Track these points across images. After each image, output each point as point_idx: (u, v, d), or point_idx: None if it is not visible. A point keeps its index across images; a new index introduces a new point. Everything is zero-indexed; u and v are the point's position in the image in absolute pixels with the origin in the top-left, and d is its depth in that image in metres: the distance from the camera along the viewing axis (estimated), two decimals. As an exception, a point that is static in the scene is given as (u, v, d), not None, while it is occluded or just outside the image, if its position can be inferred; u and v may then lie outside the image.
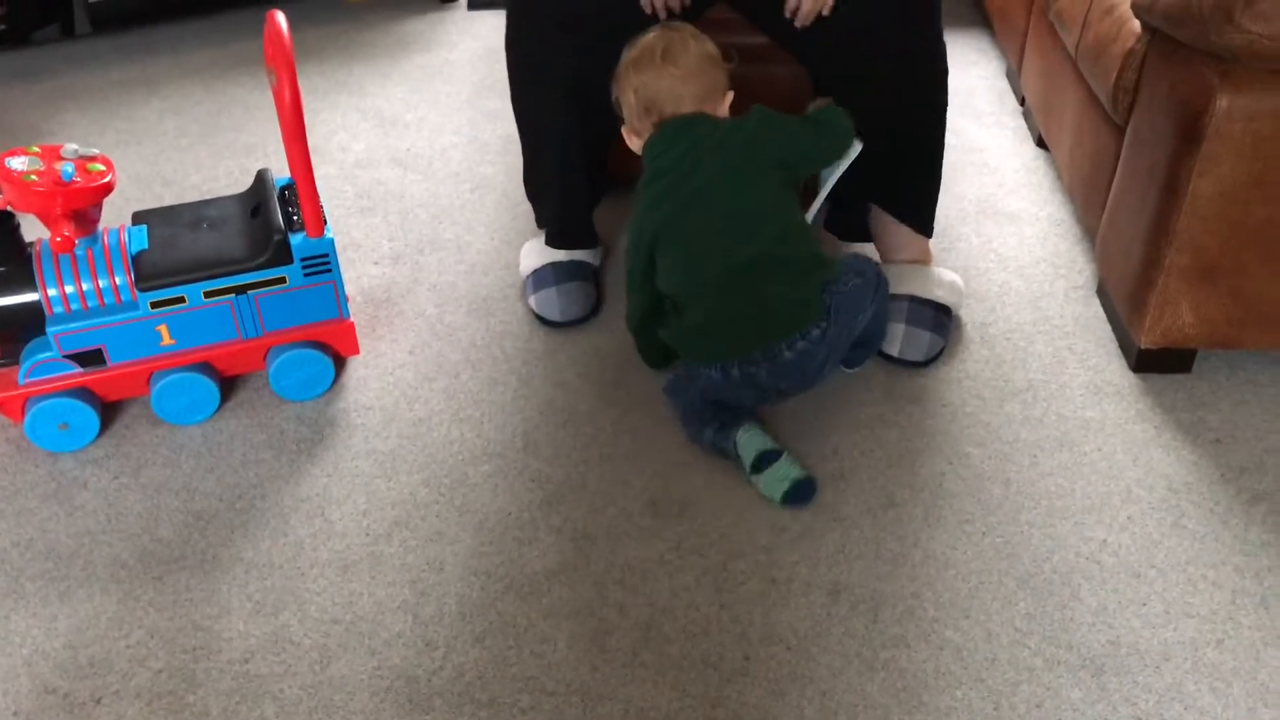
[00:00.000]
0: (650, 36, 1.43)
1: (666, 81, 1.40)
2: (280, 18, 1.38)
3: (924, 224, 1.65)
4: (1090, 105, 1.71)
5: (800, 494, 1.38)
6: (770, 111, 1.41)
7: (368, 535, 1.37)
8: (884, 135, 1.51)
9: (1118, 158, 1.59)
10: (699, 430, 1.46)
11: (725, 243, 1.38)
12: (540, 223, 1.77)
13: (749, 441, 1.41)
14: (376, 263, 1.85)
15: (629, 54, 1.43)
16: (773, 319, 1.39)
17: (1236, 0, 1.24)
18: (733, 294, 1.39)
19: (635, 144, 1.47)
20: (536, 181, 1.72)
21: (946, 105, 1.59)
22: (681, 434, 1.49)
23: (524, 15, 1.58)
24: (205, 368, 1.52)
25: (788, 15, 1.50)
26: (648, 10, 1.52)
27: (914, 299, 1.62)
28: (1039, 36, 2.02)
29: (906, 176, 1.62)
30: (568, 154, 1.62)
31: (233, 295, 1.48)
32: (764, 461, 1.40)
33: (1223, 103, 1.32)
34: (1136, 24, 1.51)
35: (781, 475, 1.39)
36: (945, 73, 1.57)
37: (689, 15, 1.53)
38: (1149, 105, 1.48)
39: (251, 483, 1.45)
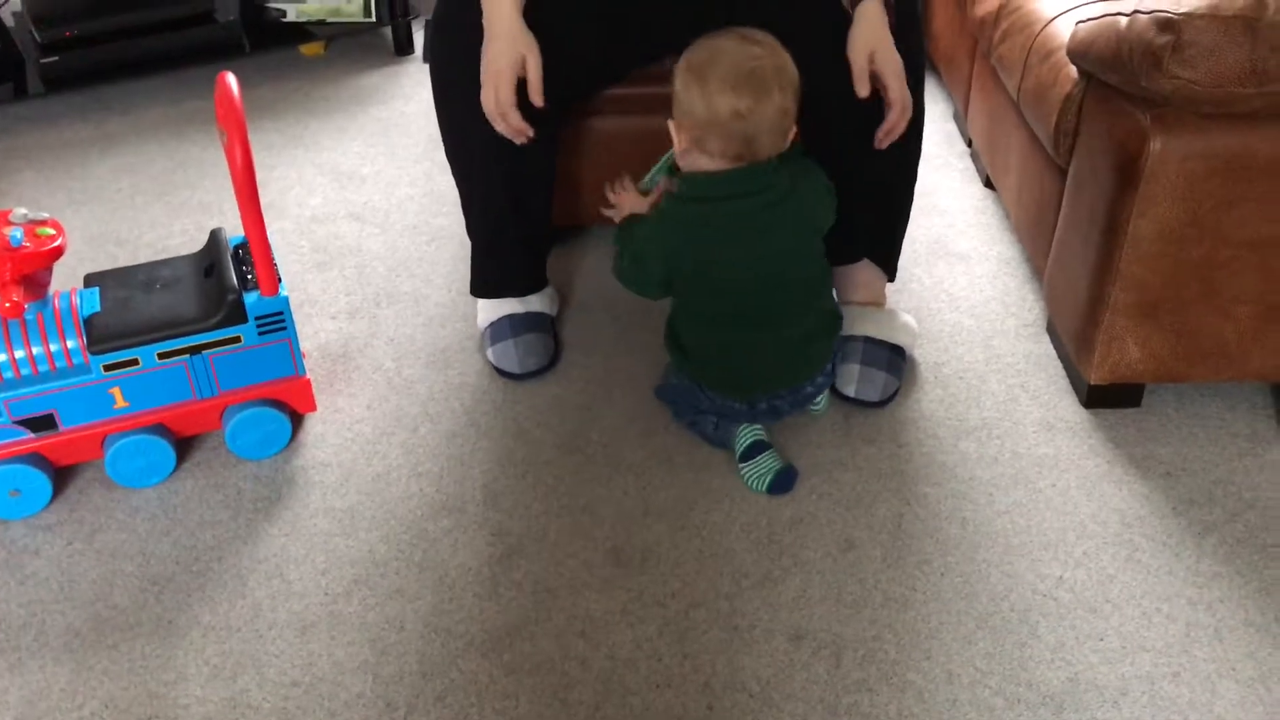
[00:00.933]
0: (756, 50, 1.31)
1: (774, 114, 1.32)
2: (231, 79, 1.39)
3: (890, 266, 1.68)
4: (1033, 147, 1.75)
5: (783, 483, 1.47)
6: (817, 170, 1.44)
7: (326, 594, 1.36)
8: (861, 177, 1.54)
9: (1061, 199, 1.62)
10: (696, 420, 1.54)
11: (786, 305, 1.44)
12: (484, 286, 1.74)
13: (749, 432, 1.50)
14: (333, 317, 1.85)
15: (734, 64, 1.30)
16: (807, 365, 1.50)
17: (1164, 48, 1.28)
18: (783, 349, 1.47)
19: (700, 162, 1.36)
20: (483, 230, 1.69)
21: (921, 148, 1.62)
22: (643, 482, 1.50)
23: (446, 78, 1.58)
24: (160, 429, 1.50)
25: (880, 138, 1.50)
26: (499, 127, 1.47)
27: (869, 340, 1.64)
28: (982, 80, 2.06)
29: (880, 218, 1.64)
30: (505, 198, 1.62)
31: (187, 356, 1.48)
32: (754, 450, 1.48)
33: (1156, 145, 1.36)
34: (1074, 69, 1.56)
35: (766, 468, 1.47)
36: (923, 113, 1.59)
37: (561, 103, 1.54)
38: (1088, 148, 1.51)
39: (208, 544, 1.43)
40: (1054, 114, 1.58)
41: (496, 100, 1.44)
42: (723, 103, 1.30)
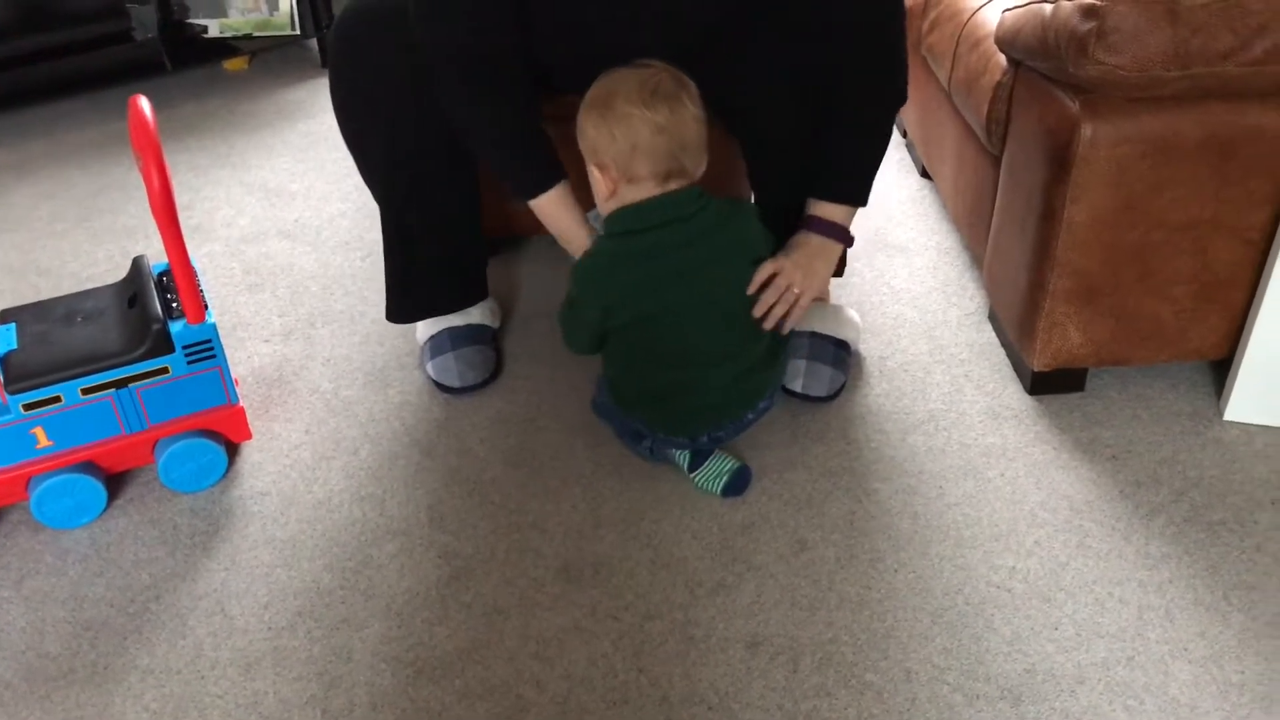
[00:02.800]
0: (653, 70, 1.30)
1: (691, 122, 1.30)
2: (143, 103, 1.34)
3: (862, 197, 1.53)
4: (967, 137, 1.75)
5: (738, 484, 1.46)
6: (752, 208, 1.45)
7: (270, 629, 1.32)
8: (841, 120, 1.47)
9: (996, 187, 1.62)
10: (636, 443, 1.49)
11: (732, 338, 1.41)
12: (400, 310, 1.68)
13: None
14: (267, 340, 1.81)
15: (637, 84, 1.29)
16: (755, 395, 1.47)
17: (1089, 34, 1.29)
18: (730, 383, 1.43)
19: (630, 196, 1.32)
20: (395, 247, 1.63)
21: (906, 90, 1.53)
22: (591, 493, 1.47)
23: (346, 92, 1.52)
24: (88, 467, 1.45)
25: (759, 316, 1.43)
26: None
27: (815, 335, 1.63)
28: (914, 71, 2.05)
29: (858, 156, 1.51)
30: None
31: (113, 390, 1.43)
32: (699, 458, 1.46)
33: (1087, 131, 1.36)
34: (1003, 57, 1.55)
35: (716, 470, 1.46)
36: (906, 85, 1.52)
37: None
38: (1019, 136, 1.51)
39: (144, 584, 1.39)
40: (985, 103, 1.58)
41: None
42: (639, 122, 1.29)
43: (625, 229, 1.36)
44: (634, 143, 1.30)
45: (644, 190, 1.33)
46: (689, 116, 1.31)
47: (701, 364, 1.41)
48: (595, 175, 1.36)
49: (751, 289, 1.40)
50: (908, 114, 2.14)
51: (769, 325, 1.42)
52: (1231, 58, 1.28)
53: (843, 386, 1.63)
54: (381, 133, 1.50)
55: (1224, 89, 1.32)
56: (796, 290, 1.44)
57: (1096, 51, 1.29)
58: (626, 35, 1.43)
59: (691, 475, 1.47)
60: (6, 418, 1.38)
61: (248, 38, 2.67)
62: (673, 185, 1.34)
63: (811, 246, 1.47)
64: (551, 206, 1.45)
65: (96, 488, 1.46)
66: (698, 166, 1.35)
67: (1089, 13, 1.29)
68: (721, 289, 1.39)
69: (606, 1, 1.42)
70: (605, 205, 1.37)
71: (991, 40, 1.59)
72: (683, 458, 1.47)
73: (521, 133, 1.43)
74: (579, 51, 1.45)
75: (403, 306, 1.67)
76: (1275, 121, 1.35)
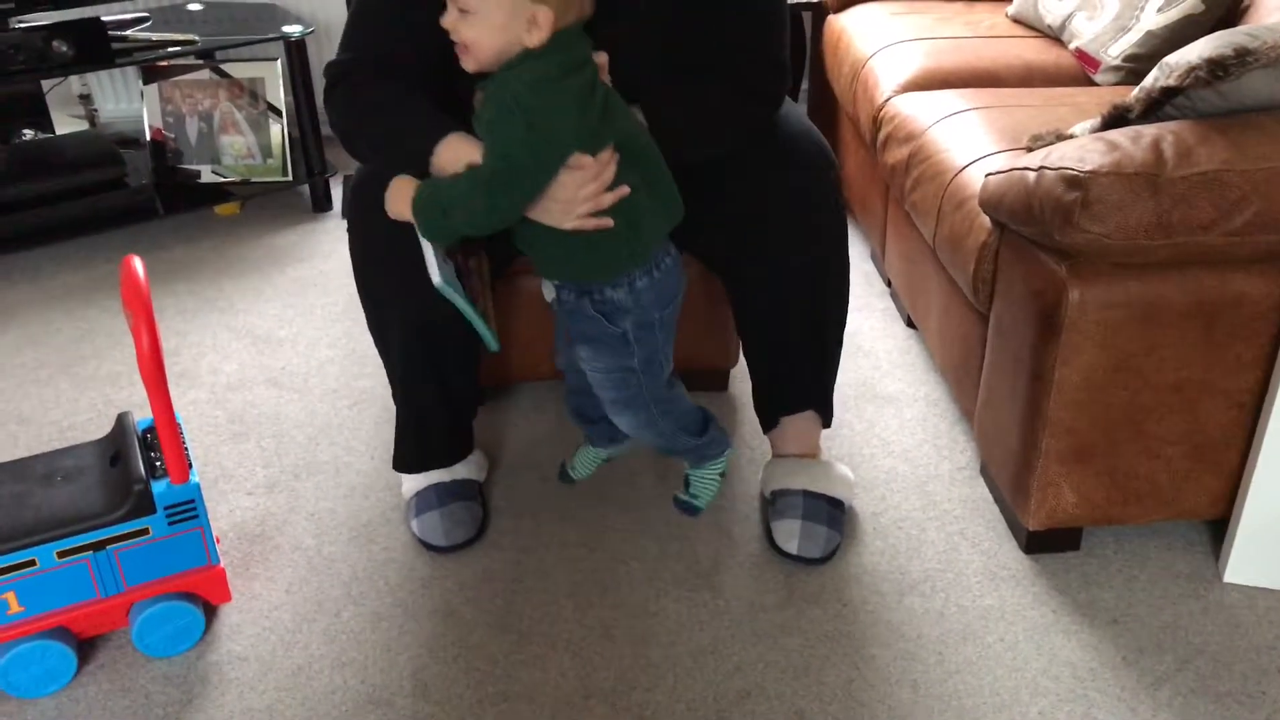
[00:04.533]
0: None
1: None
2: (136, 263, 1.35)
3: (828, 412, 1.66)
4: (953, 291, 1.77)
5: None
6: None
7: (243, 811, 1.25)
8: (792, 330, 1.56)
9: (984, 343, 1.63)
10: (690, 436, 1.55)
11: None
12: (407, 461, 1.67)
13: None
14: (250, 493, 1.77)
15: None
16: (674, 207, 1.40)
17: (1073, 204, 1.31)
18: (658, 183, 1.37)
19: (543, 26, 1.24)
20: (407, 406, 1.63)
21: (849, 285, 1.61)
22: (580, 660, 1.43)
23: (365, 255, 1.54)
24: (60, 633, 1.40)
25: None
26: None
27: (808, 494, 1.62)
28: (898, 224, 2.10)
29: (815, 367, 1.62)
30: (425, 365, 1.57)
31: (90, 552, 1.38)
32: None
33: (1075, 295, 1.38)
34: (987, 219, 1.59)
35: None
36: (848, 265, 1.59)
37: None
38: (1007, 296, 1.53)
39: (111, 760, 1.32)
40: (971, 262, 1.60)
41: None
42: None
43: (570, 60, 1.28)
44: None
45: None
46: None
47: (652, 167, 1.36)
48: (534, 15, 1.25)
49: None
50: (891, 264, 2.18)
51: None
52: (1213, 228, 1.30)
53: (838, 546, 1.60)
54: (397, 285, 1.49)
55: (1207, 257, 1.35)
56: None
57: (1081, 220, 1.32)
58: None
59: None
60: (-23, 583, 1.34)
61: (241, 183, 2.71)
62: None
63: None
64: (454, 144, 1.35)
65: (67, 654, 1.40)
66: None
67: (1073, 183, 1.32)
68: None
69: None
70: (530, 39, 1.26)
71: (975, 202, 1.62)
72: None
73: (419, 104, 1.40)
74: None
75: (410, 459, 1.66)
76: (1259, 288, 1.37)
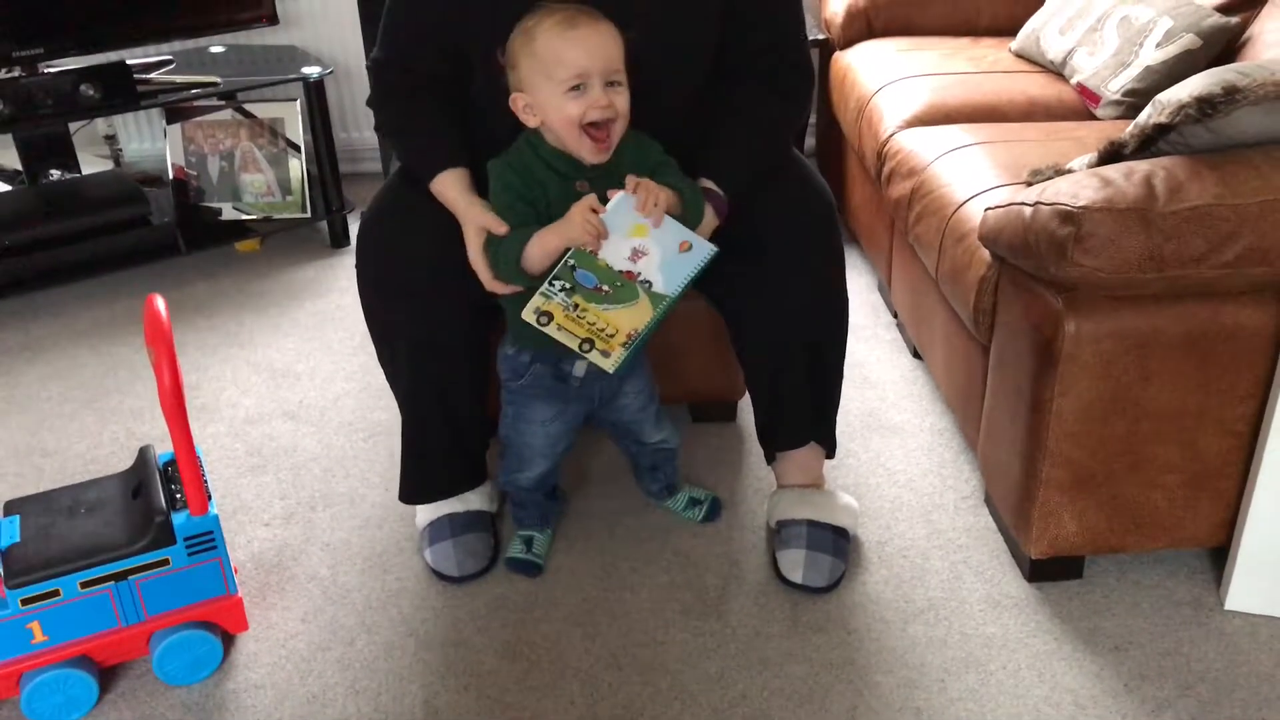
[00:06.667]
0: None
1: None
2: (159, 303, 1.39)
3: (830, 444, 1.69)
4: (955, 324, 1.80)
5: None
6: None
7: (258, 836, 1.28)
8: (794, 363, 1.58)
9: (986, 374, 1.66)
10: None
11: None
12: (412, 492, 1.71)
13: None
14: (267, 524, 1.81)
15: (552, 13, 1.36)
16: None
17: (1068, 238, 1.34)
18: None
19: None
20: (412, 435, 1.67)
21: (848, 319, 1.64)
22: (589, 689, 1.45)
23: (372, 285, 1.60)
24: (82, 661, 1.44)
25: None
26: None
27: (812, 524, 1.64)
28: (902, 256, 2.14)
29: (816, 399, 1.65)
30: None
31: (112, 583, 1.43)
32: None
33: (1071, 327, 1.41)
34: (987, 252, 1.62)
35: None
36: (846, 289, 1.63)
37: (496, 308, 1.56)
38: (1006, 328, 1.56)
39: (131, 786, 1.35)
40: (971, 295, 1.64)
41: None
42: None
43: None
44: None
45: None
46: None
47: None
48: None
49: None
50: (898, 296, 2.21)
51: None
52: (1205, 261, 1.33)
53: (843, 575, 1.62)
54: (404, 319, 1.55)
55: (1200, 289, 1.38)
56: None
57: (1075, 254, 1.35)
58: None
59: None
60: (4, 613, 1.38)
61: (261, 220, 2.77)
62: None
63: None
64: (449, 182, 1.49)
65: (89, 682, 1.44)
66: None
67: (1066, 218, 1.35)
68: None
69: None
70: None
71: (975, 236, 1.66)
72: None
73: (431, 126, 1.53)
74: None
75: (415, 490, 1.70)
76: (1252, 319, 1.40)
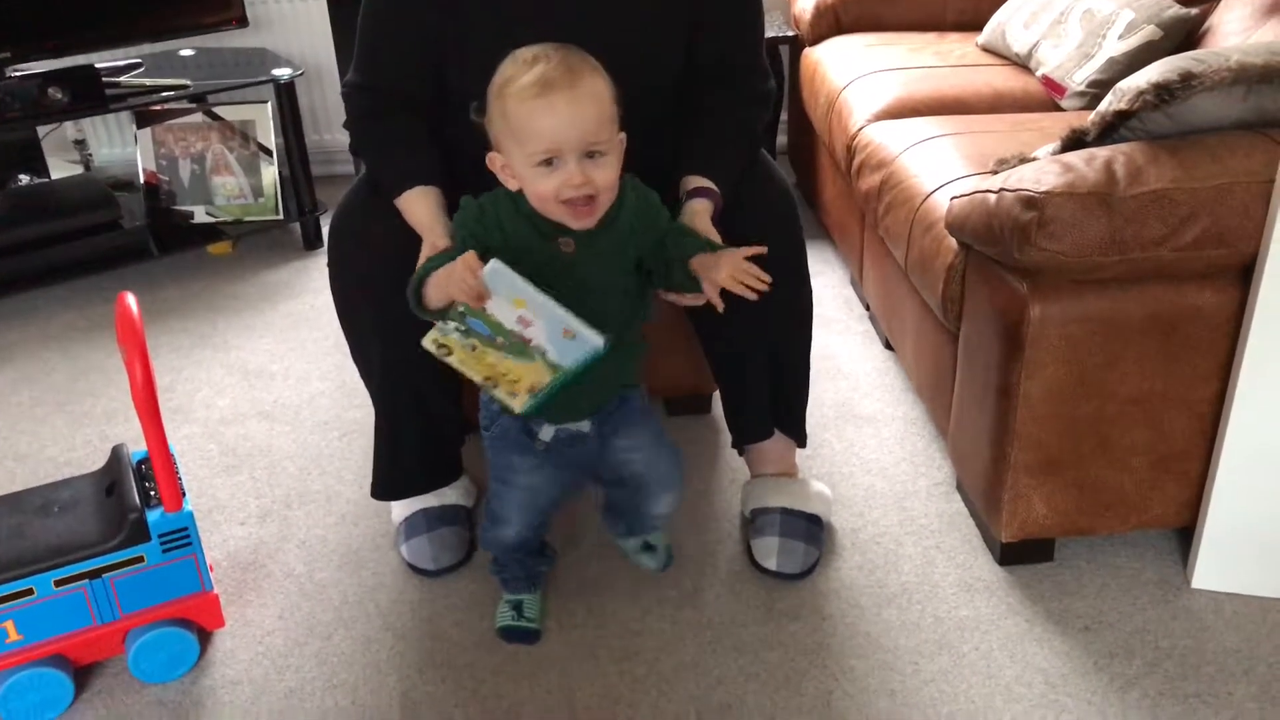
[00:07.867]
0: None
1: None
2: (130, 300, 1.39)
3: (800, 434, 1.71)
4: (925, 313, 1.82)
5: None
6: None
7: (237, 830, 1.28)
8: (760, 355, 1.60)
9: (955, 362, 1.68)
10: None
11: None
12: (385, 488, 1.70)
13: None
14: (243, 523, 1.81)
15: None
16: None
17: (1030, 223, 1.37)
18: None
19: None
20: (385, 431, 1.67)
21: (813, 313, 1.66)
22: (566, 678, 1.46)
23: (343, 280, 1.60)
24: (57, 660, 1.43)
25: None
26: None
27: (786, 511, 1.66)
28: (873, 249, 2.16)
29: (783, 390, 1.67)
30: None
31: (86, 581, 1.42)
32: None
33: (1036, 312, 1.43)
34: (954, 240, 1.64)
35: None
36: (809, 284, 1.65)
37: None
38: (974, 315, 1.58)
39: (108, 784, 1.35)
40: (939, 283, 1.66)
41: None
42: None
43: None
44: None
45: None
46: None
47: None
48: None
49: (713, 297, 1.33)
50: (869, 288, 2.23)
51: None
52: (1164, 244, 1.36)
53: (817, 562, 1.64)
54: (375, 316, 1.55)
55: (1161, 272, 1.40)
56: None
57: (1038, 239, 1.37)
58: None
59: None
60: (-24, 612, 1.38)
61: (233, 223, 2.76)
62: None
63: (698, 209, 1.45)
64: (416, 199, 1.45)
65: (64, 681, 1.43)
66: None
67: (1029, 204, 1.37)
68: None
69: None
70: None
71: (943, 225, 1.68)
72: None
73: (404, 145, 1.51)
74: None
75: (388, 487, 1.70)
76: (1212, 301, 1.42)
